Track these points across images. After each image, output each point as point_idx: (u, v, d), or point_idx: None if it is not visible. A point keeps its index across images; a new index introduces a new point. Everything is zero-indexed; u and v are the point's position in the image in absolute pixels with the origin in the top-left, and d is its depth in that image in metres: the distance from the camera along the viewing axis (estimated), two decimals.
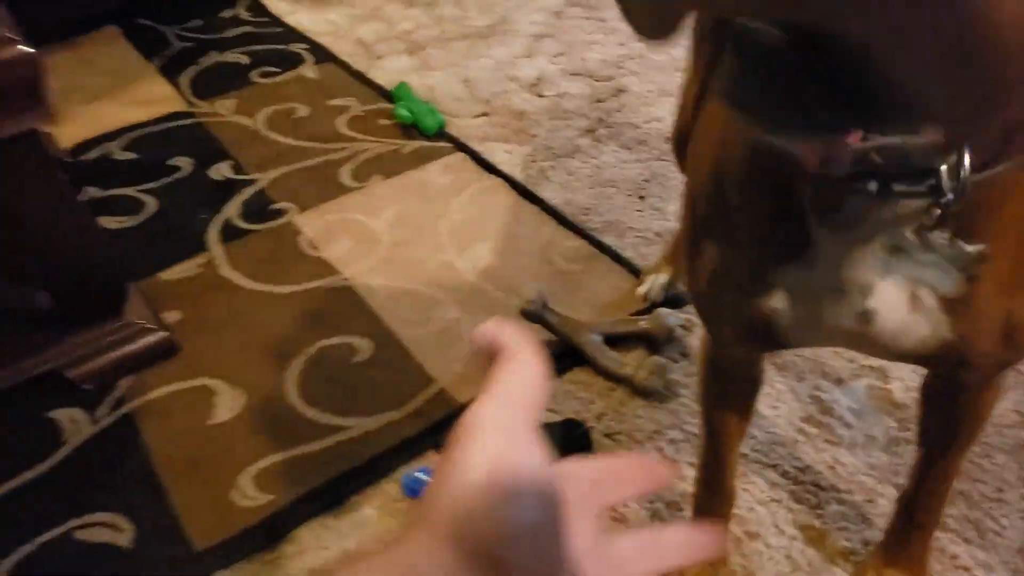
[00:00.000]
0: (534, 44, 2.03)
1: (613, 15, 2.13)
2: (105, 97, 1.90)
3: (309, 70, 1.96)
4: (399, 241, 1.40)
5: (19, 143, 0.93)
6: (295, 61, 2.00)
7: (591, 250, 1.37)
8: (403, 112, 1.70)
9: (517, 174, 1.57)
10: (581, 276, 1.32)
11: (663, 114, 1.70)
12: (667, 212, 1.44)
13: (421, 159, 1.62)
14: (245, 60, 2.02)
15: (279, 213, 1.48)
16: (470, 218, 1.45)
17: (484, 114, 1.77)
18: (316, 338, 1.21)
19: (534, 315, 1.17)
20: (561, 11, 2.18)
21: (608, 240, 1.39)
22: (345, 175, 1.57)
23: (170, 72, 1.98)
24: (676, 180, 1.50)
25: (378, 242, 1.40)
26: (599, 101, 1.78)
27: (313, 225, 1.45)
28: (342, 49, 2.07)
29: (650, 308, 1.24)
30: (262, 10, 2.31)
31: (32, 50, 0.88)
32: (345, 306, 1.26)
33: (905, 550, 0.85)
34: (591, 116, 1.73)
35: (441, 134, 1.69)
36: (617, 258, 1.35)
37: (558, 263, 1.34)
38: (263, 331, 1.23)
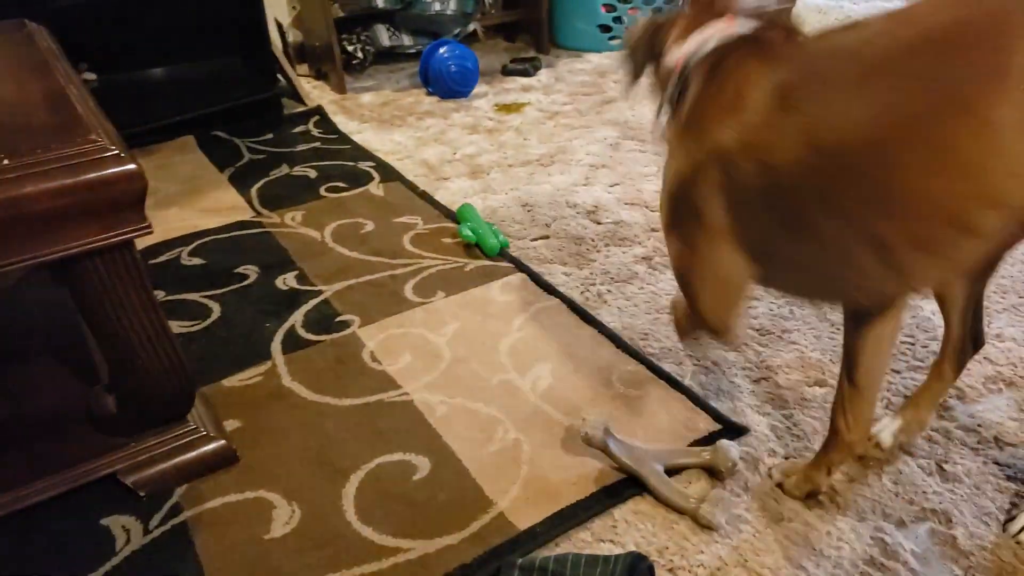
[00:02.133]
0: (591, 173, 2.10)
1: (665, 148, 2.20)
2: (177, 203, 1.99)
3: (376, 187, 2.04)
4: (460, 358, 1.41)
5: (117, 251, 0.97)
6: (362, 178, 2.09)
7: (650, 375, 1.36)
8: (467, 232, 1.75)
9: (576, 296, 1.59)
10: (641, 402, 1.30)
11: None
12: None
13: (483, 278, 1.65)
14: (313, 174, 2.12)
15: (343, 325, 1.50)
16: (530, 337, 1.46)
17: (544, 237, 1.81)
18: (375, 454, 1.20)
19: (597, 442, 1.15)
20: (617, 143, 2.27)
21: (667, 367, 1.38)
22: (408, 290, 1.61)
23: (241, 182, 2.08)
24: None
25: (440, 358, 1.41)
26: (654, 230, 1.81)
27: (376, 338, 1.46)
28: (407, 169, 2.15)
29: (713, 439, 1.21)
30: (331, 128, 2.43)
31: (137, 166, 0.93)
32: (405, 422, 1.26)
33: None
34: (647, 244, 1.76)
35: (503, 255, 1.73)
36: (676, 384, 1.33)
37: (617, 387, 1.33)
38: (322, 444, 1.22)
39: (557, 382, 1.34)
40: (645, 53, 1.06)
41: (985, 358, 1.35)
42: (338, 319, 1.52)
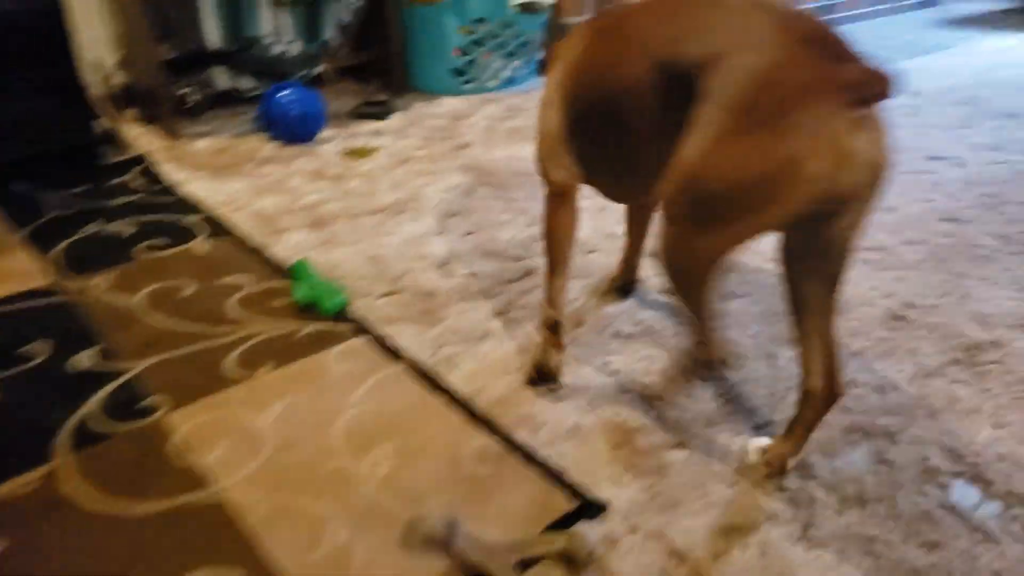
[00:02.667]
0: (444, 221, 1.98)
1: (522, 195, 2.12)
2: None
3: (201, 244, 1.84)
4: (286, 443, 1.23)
5: None
6: (187, 234, 1.88)
7: (502, 450, 1.23)
8: (301, 291, 1.58)
9: (423, 360, 1.45)
10: (492, 482, 1.17)
11: (571, 295, 1.64)
12: (579, 401, 1.33)
13: (318, 344, 1.48)
14: (130, 231, 1.89)
15: (147, 411, 1.29)
16: (370, 413, 1.30)
17: (391, 293, 1.67)
18: (176, 571, 1.00)
19: (441, 543, 1.01)
20: (471, 189, 2.17)
21: (521, 436, 1.26)
22: (229, 364, 1.42)
23: (40, 243, 1.82)
24: (589, 367, 1.41)
25: (261, 445, 1.23)
26: (511, 281, 1.71)
27: (186, 425, 1.26)
28: (240, 222, 1.96)
29: (570, 520, 1.10)
30: (156, 178, 2.20)
31: None
32: (214, 528, 1.07)
33: None
34: (503, 297, 1.65)
35: (343, 316, 1.57)
36: (530, 459, 1.22)
37: (466, 466, 1.20)
38: (108, 566, 1.01)
39: (399, 466, 1.19)
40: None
41: (843, 408, 1.31)
42: (142, 404, 1.31)
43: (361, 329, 1.54)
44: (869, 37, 3.89)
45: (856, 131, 0.87)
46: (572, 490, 1.16)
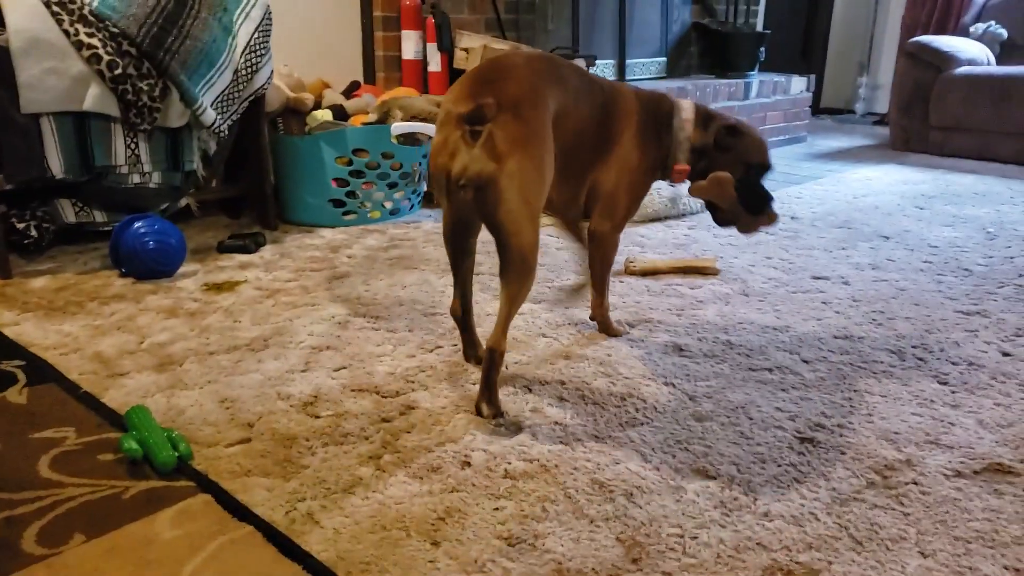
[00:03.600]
0: (313, 357, 1.79)
1: (403, 325, 1.96)
2: None
3: (16, 393, 1.56)
4: None
5: None
6: (1, 383, 1.59)
7: None
8: (131, 443, 1.33)
9: (278, 519, 1.21)
10: None
11: (458, 433, 1.46)
12: (467, 559, 1.12)
13: (148, 506, 1.22)
14: None
15: None
16: None
17: (243, 441, 1.44)
18: None
19: None
20: (346, 321, 1.99)
21: None
22: (30, 539, 1.13)
23: None
24: (478, 515, 1.22)
25: None
26: (386, 420, 1.51)
27: None
28: (71, 366, 1.70)
29: None
30: None
31: None
32: None
33: None
34: (375, 439, 1.44)
35: (181, 470, 1.32)
36: None
37: None
38: None
39: None
40: None
41: (759, 544, 1.16)
42: None
43: (203, 485, 1.29)
44: None
45: (463, 143, 1.40)
46: None
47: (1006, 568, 1.12)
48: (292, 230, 2.82)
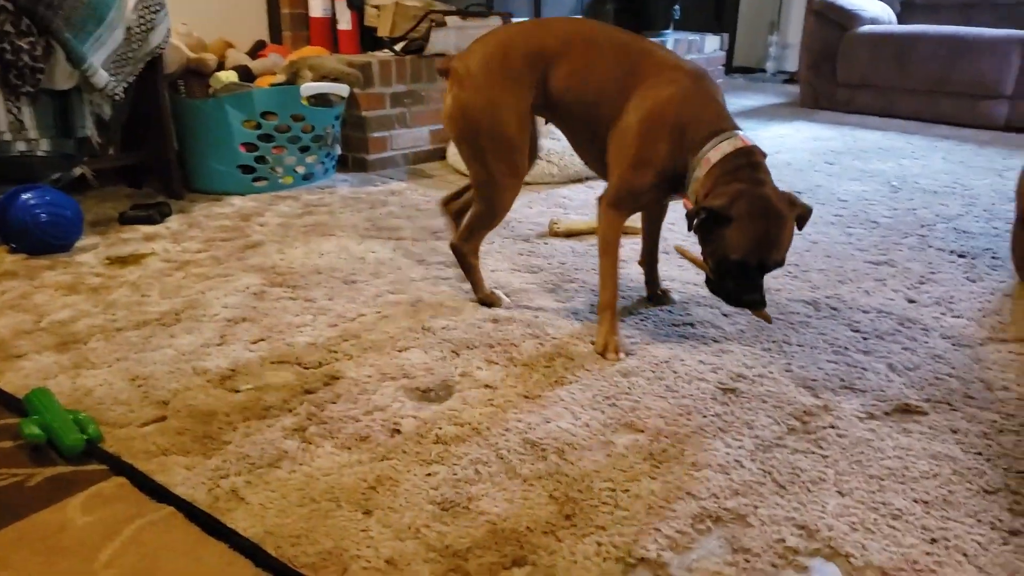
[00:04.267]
0: (228, 329, 1.71)
1: (322, 294, 1.90)
2: None
3: None
4: None
5: None
6: None
7: None
8: (33, 428, 1.25)
9: (201, 498, 1.16)
10: None
11: (386, 401, 1.43)
12: (400, 526, 1.11)
13: (55, 493, 1.15)
14: None
15: None
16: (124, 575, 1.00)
17: (158, 419, 1.37)
18: None
19: None
20: (262, 291, 1.92)
21: None
22: None
23: None
24: (410, 481, 1.20)
25: None
26: (309, 392, 1.47)
27: None
28: None
29: None
30: None
31: None
32: None
33: None
34: (300, 411, 1.40)
35: (91, 453, 1.25)
36: None
37: None
38: None
39: None
40: None
41: (688, 493, 1.18)
42: None
43: (117, 468, 1.23)
44: None
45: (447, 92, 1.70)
46: None
47: (915, 501, 1.17)
48: (200, 199, 2.69)
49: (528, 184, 3.00)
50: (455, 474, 1.23)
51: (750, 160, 1.49)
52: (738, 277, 1.48)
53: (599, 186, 2.95)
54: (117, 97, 2.41)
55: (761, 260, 1.46)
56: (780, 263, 1.48)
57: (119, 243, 2.24)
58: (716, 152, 1.50)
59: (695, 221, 1.47)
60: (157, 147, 2.63)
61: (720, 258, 1.48)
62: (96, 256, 2.13)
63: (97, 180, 2.58)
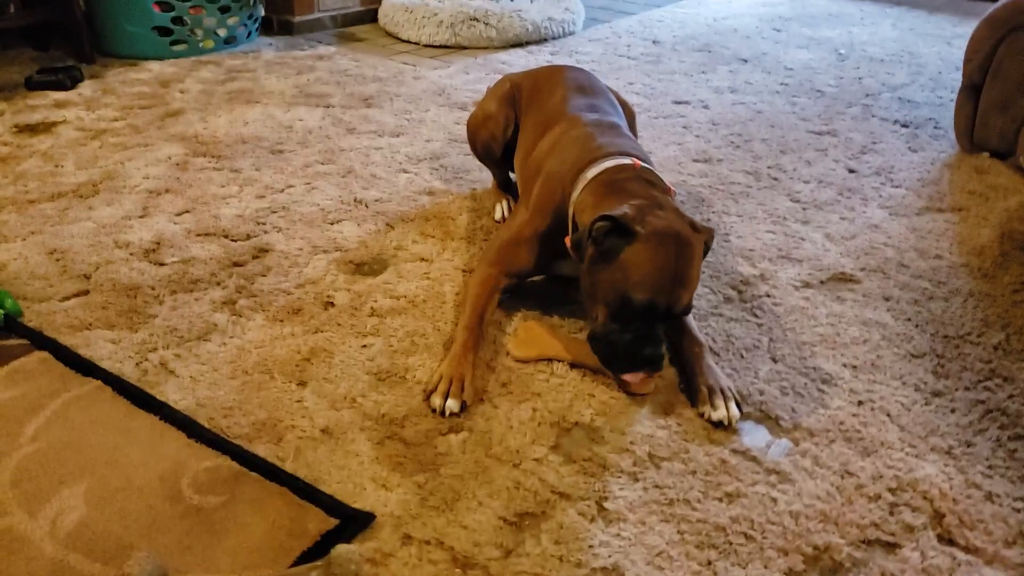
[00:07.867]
0: (151, 201, 1.63)
1: (248, 163, 1.81)
2: None
3: None
4: None
5: None
6: None
7: (237, 468, 0.97)
8: None
9: (128, 371, 1.13)
10: (225, 511, 0.91)
11: (318, 275, 1.39)
12: (336, 396, 1.10)
13: None
14: None
15: None
16: (51, 450, 0.98)
17: (80, 293, 1.31)
18: None
19: None
20: (185, 161, 1.81)
21: (261, 449, 1.01)
22: None
23: None
24: (345, 353, 1.18)
25: None
26: (238, 265, 1.41)
27: None
28: None
29: (328, 542, 0.87)
30: None
31: None
32: None
33: None
34: (228, 284, 1.35)
35: (10, 327, 1.19)
36: (274, 475, 0.97)
37: (190, 497, 0.93)
38: None
39: (92, 513, 0.89)
40: None
41: None
42: None
43: (38, 342, 1.18)
44: None
45: None
46: (329, 505, 0.93)
47: (844, 365, 1.21)
48: (113, 63, 2.50)
49: (465, 49, 2.86)
50: (391, 346, 1.21)
51: (643, 176, 1.19)
52: (638, 324, 1.08)
53: (539, 52, 2.83)
54: None
55: (669, 301, 1.07)
56: (687, 309, 1.11)
57: (27, 110, 2.08)
58: (595, 168, 1.21)
59: (589, 235, 1.10)
60: (62, 6, 2.40)
61: (618, 297, 1.08)
62: (2, 124, 1.98)
63: None
